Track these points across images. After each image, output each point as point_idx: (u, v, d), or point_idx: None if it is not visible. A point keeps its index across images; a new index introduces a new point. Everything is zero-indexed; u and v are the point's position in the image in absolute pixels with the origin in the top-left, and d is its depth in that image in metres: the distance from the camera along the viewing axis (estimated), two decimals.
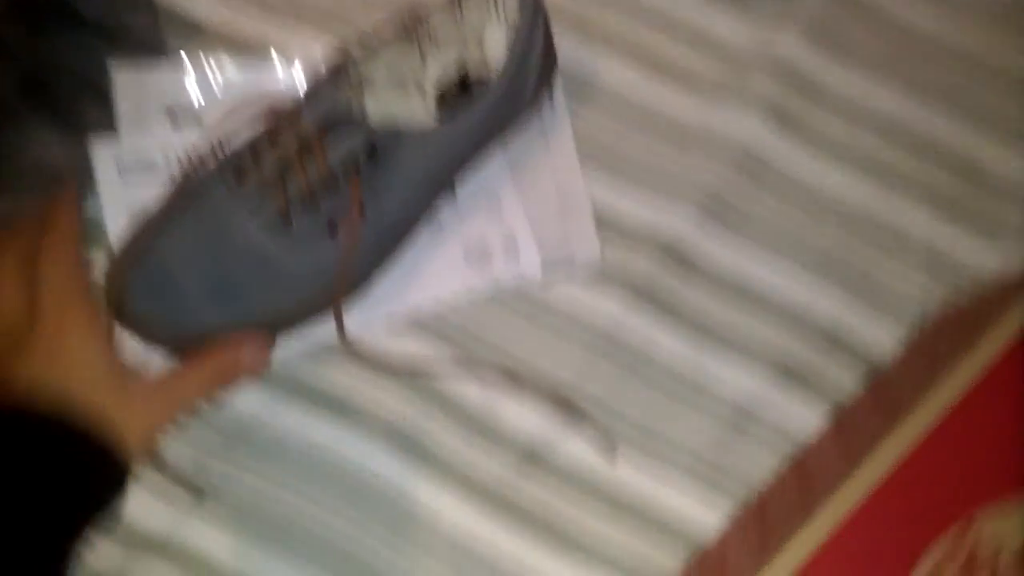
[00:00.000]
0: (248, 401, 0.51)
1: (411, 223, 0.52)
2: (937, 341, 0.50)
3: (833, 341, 0.54)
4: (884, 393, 0.49)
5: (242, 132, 0.49)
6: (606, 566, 0.50)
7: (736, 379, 0.53)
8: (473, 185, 0.54)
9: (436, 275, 0.54)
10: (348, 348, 0.50)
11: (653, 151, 0.57)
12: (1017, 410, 0.41)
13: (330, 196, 0.48)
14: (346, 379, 0.52)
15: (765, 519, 0.46)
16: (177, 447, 0.50)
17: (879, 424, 0.45)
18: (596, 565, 0.50)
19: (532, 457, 0.51)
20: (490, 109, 0.51)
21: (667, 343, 0.54)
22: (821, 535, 0.39)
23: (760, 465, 0.52)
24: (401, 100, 0.52)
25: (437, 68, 0.53)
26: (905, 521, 0.39)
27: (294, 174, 0.47)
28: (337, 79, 0.48)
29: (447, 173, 0.52)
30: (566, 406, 0.52)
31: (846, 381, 0.53)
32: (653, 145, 0.57)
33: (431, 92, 0.53)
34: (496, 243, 0.54)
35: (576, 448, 0.51)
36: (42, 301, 0.41)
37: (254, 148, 0.48)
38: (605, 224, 0.55)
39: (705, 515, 0.51)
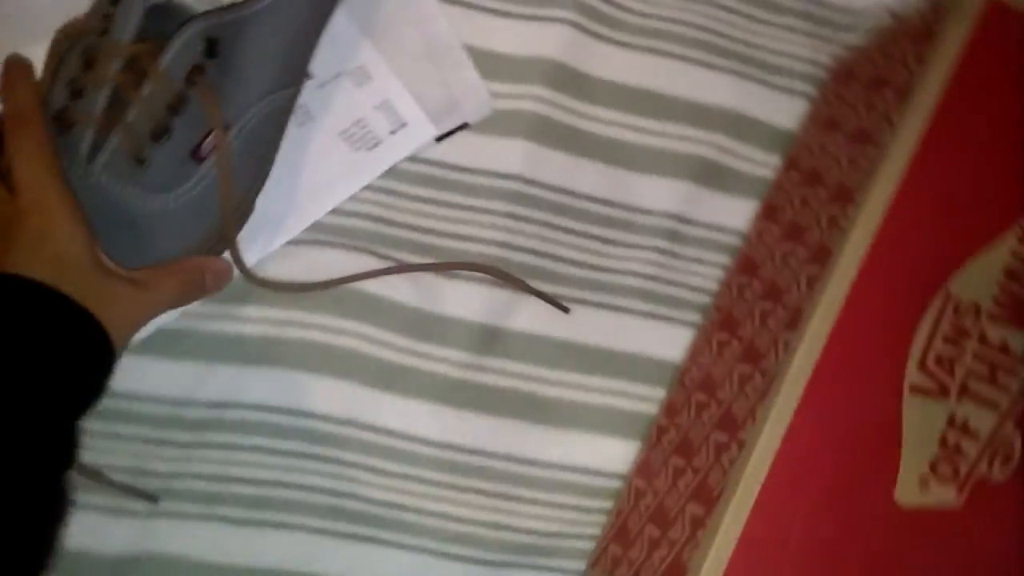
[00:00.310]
0: (170, 381, 0.45)
1: (279, 119, 0.45)
2: (848, 95, 0.49)
3: (741, 123, 0.52)
4: (808, 163, 0.49)
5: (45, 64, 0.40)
6: (593, 417, 0.48)
7: (660, 190, 0.51)
8: (328, 60, 0.47)
9: (328, 180, 0.47)
10: (256, 281, 0.44)
11: None
12: (967, 164, 0.41)
13: (181, 115, 0.40)
14: (264, 319, 0.46)
15: (734, 326, 0.46)
16: (113, 456, 0.44)
17: (824, 203, 0.45)
18: (583, 419, 0.48)
19: (487, 335, 0.48)
20: None
21: (583, 173, 0.50)
22: (818, 344, 0.38)
23: (709, 268, 0.51)
24: None
25: None
26: (888, 306, 0.39)
27: (130, 102, 0.39)
28: None
29: (300, 49, 0.45)
30: (504, 271, 0.48)
31: (766, 160, 0.52)
32: None
33: None
34: (378, 120, 0.48)
35: (528, 311, 0.48)
36: (21, 191, 0.38)
37: (70, 83, 0.39)
38: (482, 64, 0.50)
39: (673, 335, 0.50)
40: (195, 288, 0.42)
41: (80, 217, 0.38)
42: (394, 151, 0.48)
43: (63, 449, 0.35)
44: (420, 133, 0.48)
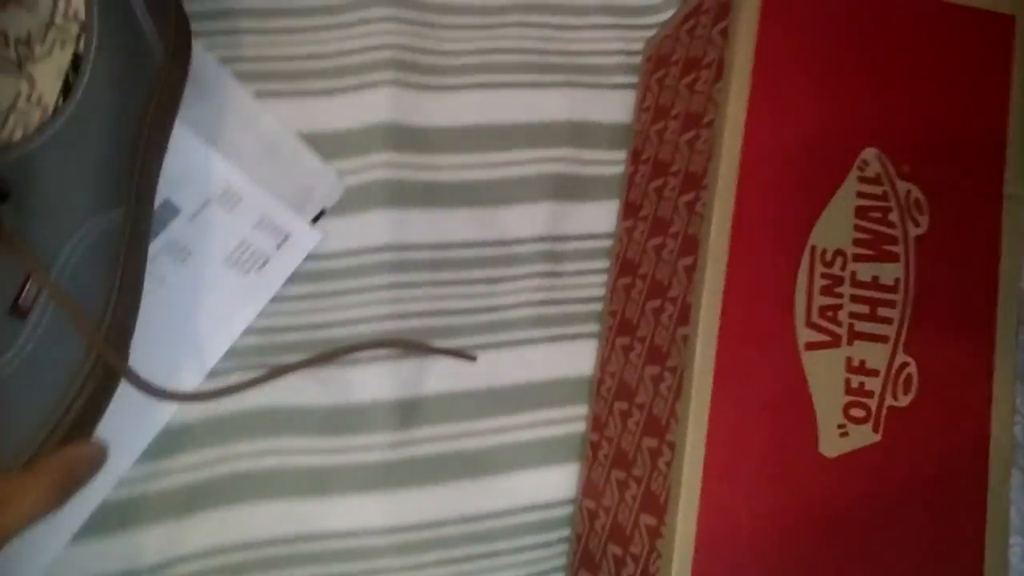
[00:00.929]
0: (102, 561, 0.43)
1: (112, 243, 0.41)
2: (668, 80, 0.51)
3: (581, 130, 0.54)
4: (651, 154, 0.51)
5: None
6: (528, 453, 0.49)
7: (526, 216, 0.52)
8: (191, 189, 0.46)
9: (225, 312, 0.47)
10: (164, 396, 0.41)
11: (312, 47, 0.51)
12: (795, 123, 0.43)
13: None
14: (181, 468, 0.45)
15: (631, 328, 0.47)
16: None
17: (677, 192, 0.46)
18: (520, 459, 0.49)
19: (406, 409, 0.48)
20: (105, 69, 0.41)
21: (450, 223, 0.51)
22: (712, 332, 0.40)
23: (594, 276, 0.52)
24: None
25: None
26: (764, 278, 0.41)
27: None
28: None
29: (115, 168, 0.41)
30: (403, 339, 0.48)
31: (614, 158, 0.54)
32: (308, 41, 0.51)
33: (45, 80, 0.42)
34: (260, 238, 0.48)
35: (437, 372, 0.49)
36: None
37: None
38: (322, 147, 0.49)
39: (579, 351, 0.51)
40: (70, 484, 0.37)
41: None
42: (285, 263, 0.48)
43: None
44: (305, 239, 0.48)
